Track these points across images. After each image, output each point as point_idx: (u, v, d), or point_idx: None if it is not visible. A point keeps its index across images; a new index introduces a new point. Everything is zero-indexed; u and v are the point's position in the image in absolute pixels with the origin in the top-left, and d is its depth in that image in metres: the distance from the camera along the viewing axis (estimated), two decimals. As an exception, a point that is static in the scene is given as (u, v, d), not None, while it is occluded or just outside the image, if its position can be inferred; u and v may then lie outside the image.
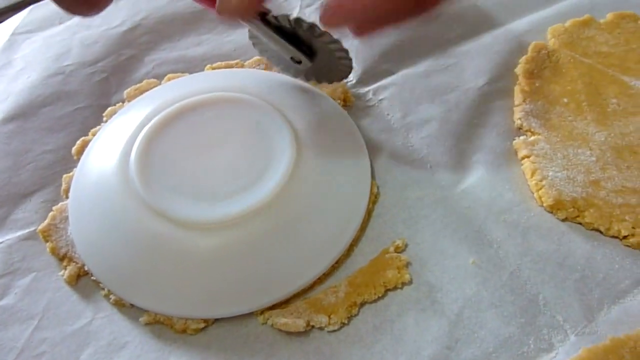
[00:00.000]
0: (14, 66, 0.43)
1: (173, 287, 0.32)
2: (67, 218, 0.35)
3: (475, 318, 0.31)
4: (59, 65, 0.43)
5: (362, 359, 0.30)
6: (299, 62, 0.36)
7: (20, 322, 0.32)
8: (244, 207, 0.32)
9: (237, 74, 0.41)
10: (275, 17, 0.32)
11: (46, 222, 0.35)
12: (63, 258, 0.34)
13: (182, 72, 0.43)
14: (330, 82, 0.37)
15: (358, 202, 0.35)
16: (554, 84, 0.40)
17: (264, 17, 0.32)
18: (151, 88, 0.41)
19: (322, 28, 0.32)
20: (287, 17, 0.32)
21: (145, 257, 0.32)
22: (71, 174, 0.37)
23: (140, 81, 0.42)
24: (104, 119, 0.40)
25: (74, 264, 0.34)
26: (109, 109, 0.41)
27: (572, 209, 0.34)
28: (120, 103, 0.41)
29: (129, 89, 0.41)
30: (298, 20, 0.32)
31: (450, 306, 0.32)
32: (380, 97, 0.41)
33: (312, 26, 0.32)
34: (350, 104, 0.41)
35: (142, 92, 0.41)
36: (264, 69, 0.42)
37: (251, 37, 0.36)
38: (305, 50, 0.35)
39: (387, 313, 0.32)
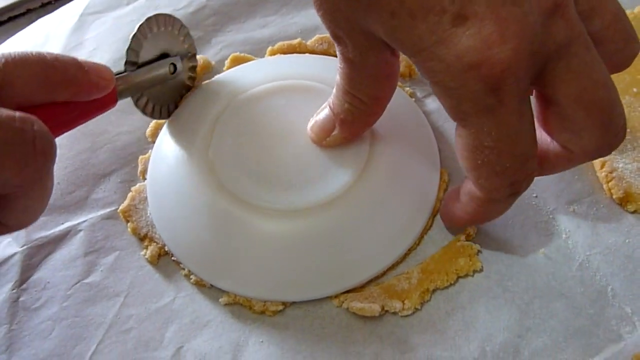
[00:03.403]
0: (86, 47, 0.44)
1: (252, 271, 0.33)
2: (145, 199, 0.37)
3: (545, 308, 0.32)
4: (130, 46, 0.44)
5: (434, 344, 0.31)
6: (175, 69, 0.37)
7: (107, 298, 0.34)
8: (321, 196, 0.33)
9: (306, 59, 0.41)
10: (132, 52, 0.34)
11: (126, 202, 0.36)
12: (144, 238, 0.36)
13: (248, 54, 0.43)
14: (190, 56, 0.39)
15: (429, 190, 0.36)
16: (623, 73, 0.40)
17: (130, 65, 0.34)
18: (201, 64, 0.42)
19: None
20: (133, 42, 0.34)
21: (224, 241, 0.33)
22: (147, 155, 0.39)
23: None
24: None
25: (155, 244, 0.35)
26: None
27: (641, 202, 0.35)
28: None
29: None
30: (141, 29, 0.34)
31: (521, 295, 0.32)
32: (446, 83, 0.41)
33: (146, 25, 0.35)
34: (415, 76, 0.41)
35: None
36: (327, 48, 0.43)
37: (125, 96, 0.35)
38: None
39: (459, 300, 0.33)
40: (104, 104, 0.32)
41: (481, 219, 0.32)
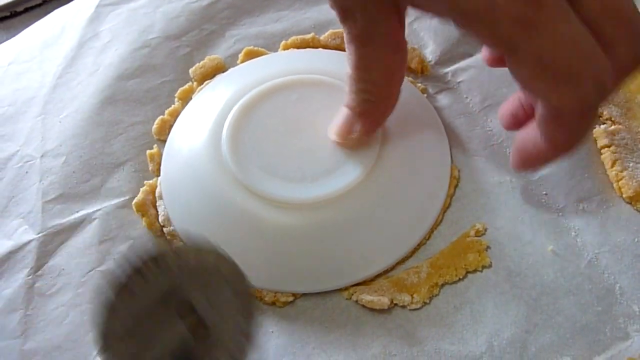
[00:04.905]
0: (101, 39, 0.44)
1: (263, 262, 0.34)
2: (160, 193, 0.37)
3: (553, 304, 0.32)
4: (145, 38, 0.44)
5: (442, 338, 0.32)
6: (194, 311, 0.23)
7: (120, 286, 0.34)
8: (333, 189, 0.33)
9: (319, 54, 0.42)
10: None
11: (141, 197, 0.37)
12: (160, 233, 0.36)
13: (261, 48, 0.43)
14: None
15: (439, 186, 0.36)
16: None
17: None
18: (215, 65, 0.43)
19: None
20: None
21: (237, 232, 0.34)
22: (154, 151, 0.39)
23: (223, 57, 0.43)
24: (175, 99, 0.42)
25: (170, 237, 0.36)
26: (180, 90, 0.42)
27: (651, 201, 0.35)
28: (190, 83, 0.42)
29: (193, 68, 0.43)
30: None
31: (529, 291, 0.33)
32: (459, 80, 0.41)
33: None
34: (427, 73, 0.42)
35: (206, 70, 0.42)
36: (340, 43, 0.43)
37: None
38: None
39: (467, 294, 0.33)
40: None
41: (563, 147, 0.29)
